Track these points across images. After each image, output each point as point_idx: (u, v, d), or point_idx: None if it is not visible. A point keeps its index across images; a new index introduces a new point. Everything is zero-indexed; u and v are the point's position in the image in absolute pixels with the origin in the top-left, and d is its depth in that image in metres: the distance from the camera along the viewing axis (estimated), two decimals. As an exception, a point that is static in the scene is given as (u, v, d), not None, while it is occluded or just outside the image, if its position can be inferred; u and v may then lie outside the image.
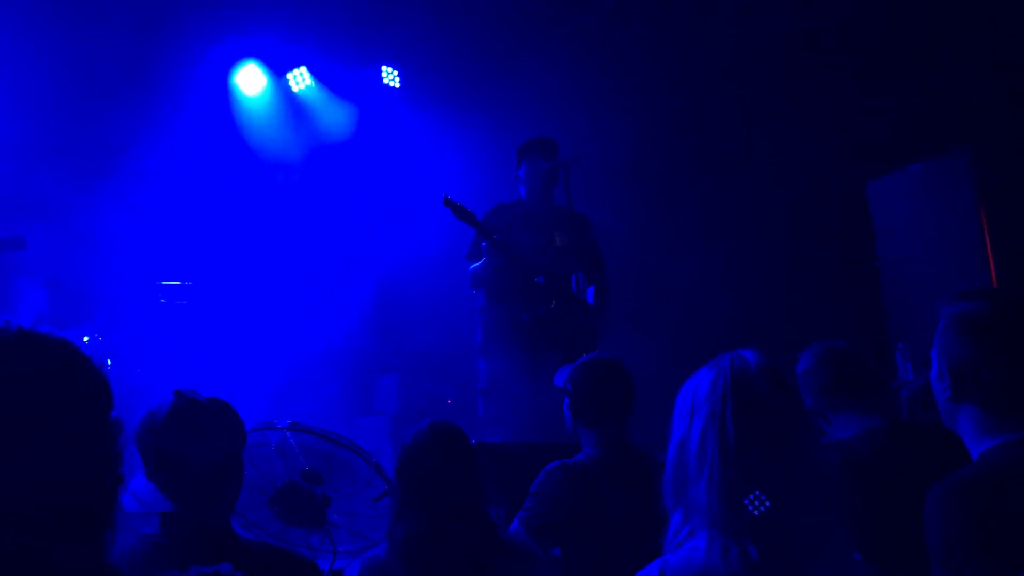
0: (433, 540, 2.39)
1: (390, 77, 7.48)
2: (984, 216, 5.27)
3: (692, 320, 6.31)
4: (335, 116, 7.59)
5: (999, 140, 5.32)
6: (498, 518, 2.56)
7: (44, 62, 6.15)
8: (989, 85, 5.27)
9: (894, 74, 5.73)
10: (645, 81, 6.82)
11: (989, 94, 5.27)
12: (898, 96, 5.69)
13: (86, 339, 5.78)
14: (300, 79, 7.40)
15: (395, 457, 2.57)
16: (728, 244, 6.62)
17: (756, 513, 1.59)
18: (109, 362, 5.85)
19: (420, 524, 2.41)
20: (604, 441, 3.04)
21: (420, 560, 2.36)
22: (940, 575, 1.72)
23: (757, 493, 1.60)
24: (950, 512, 1.72)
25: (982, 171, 5.33)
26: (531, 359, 4.76)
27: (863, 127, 5.96)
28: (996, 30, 5.26)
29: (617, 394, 3.09)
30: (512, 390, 4.81)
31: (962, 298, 1.94)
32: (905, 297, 5.68)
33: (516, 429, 4.67)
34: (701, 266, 6.61)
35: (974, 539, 1.68)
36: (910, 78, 5.62)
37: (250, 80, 7.38)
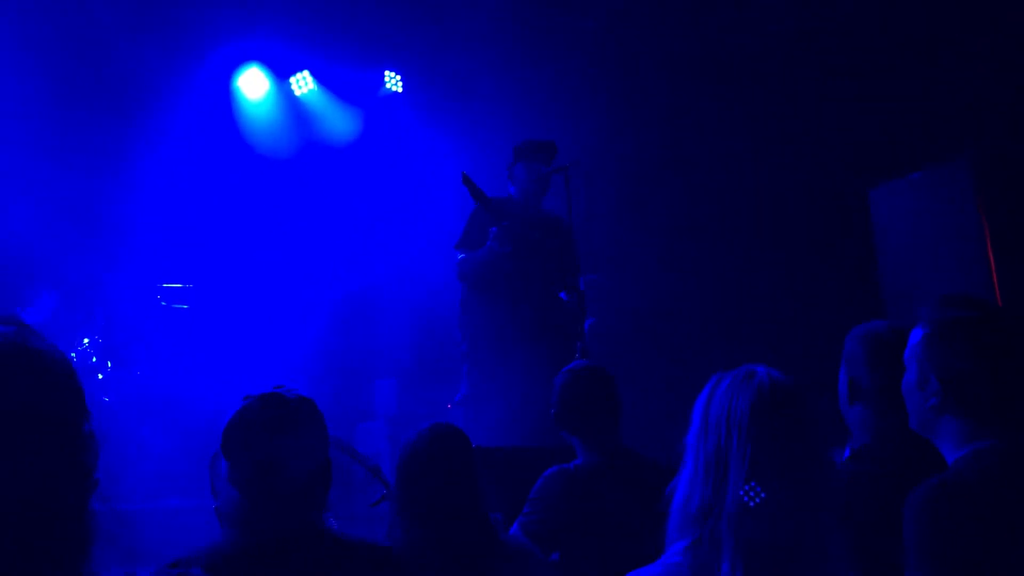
0: (433, 543, 2.38)
1: (393, 82, 7.49)
2: (986, 223, 5.25)
3: (692, 327, 6.30)
4: (337, 120, 7.59)
5: (1001, 146, 5.31)
6: (496, 522, 2.54)
7: (46, 64, 6.15)
8: (991, 91, 5.26)
9: (895, 81, 5.72)
10: (645, 86, 6.82)
11: (991, 100, 5.26)
12: (900, 103, 5.69)
13: (86, 341, 5.78)
14: (303, 83, 7.40)
15: (394, 461, 2.56)
16: (729, 251, 6.61)
17: (761, 528, 1.59)
18: (109, 364, 5.85)
19: (420, 527, 2.41)
20: (596, 447, 3.02)
21: (420, 562, 2.35)
22: None
23: (762, 505, 1.60)
24: (922, 518, 1.73)
25: (984, 178, 5.31)
26: (520, 352, 4.71)
27: (865, 134, 5.96)
28: (997, 32, 5.25)
29: (603, 399, 3.08)
30: (500, 391, 4.74)
31: (943, 305, 1.93)
32: (907, 305, 5.66)
33: (504, 432, 4.60)
34: (701, 272, 6.60)
35: (944, 544, 1.69)
36: (911, 85, 5.62)
37: (253, 84, 7.38)
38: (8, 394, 1.21)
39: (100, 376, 5.78)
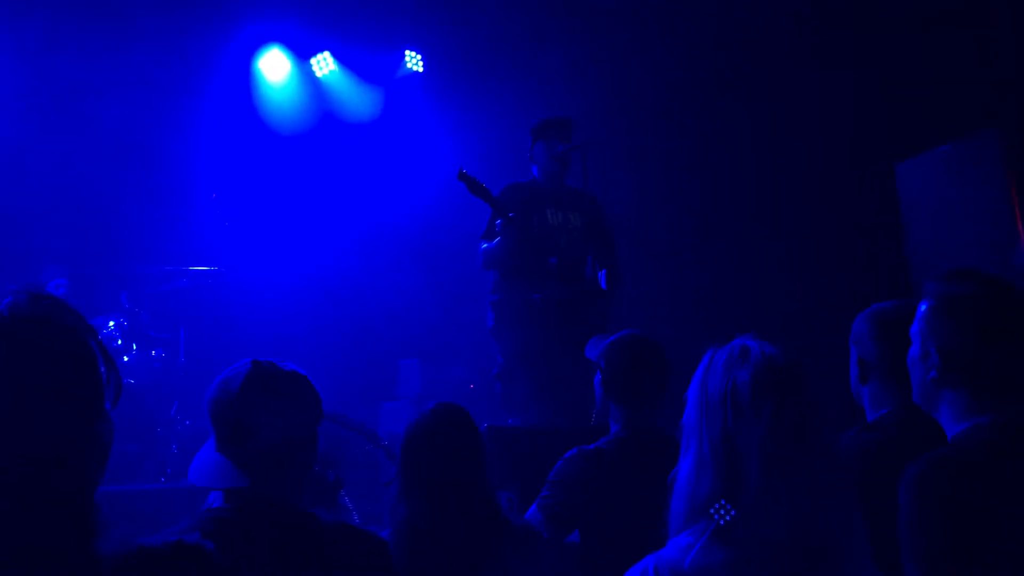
0: (434, 523, 2.37)
1: (414, 61, 7.47)
2: (1016, 196, 5.16)
3: (715, 305, 6.25)
4: (358, 100, 7.59)
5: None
6: (510, 502, 2.53)
7: (64, 46, 6.19)
8: (1021, 61, 5.15)
9: (922, 52, 5.61)
10: (667, 61, 6.74)
11: (1021, 70, 5.15)
12: (926, 74, 5.58)
13: (112, 324, 5.83)
14: (324, 64, 7.40)
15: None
16: (753, 227, 6.54)
17: (772, 510, 1.57)
18: (134, 347, 5.90)
19: (421, 507, 2.40)
20: (633, 421, 2.98)
21: (420, 542, 2.35)
22: (906, 555, 1.69)
23: (775, 490, 1.58)
24: (917, 492, 1.70)
25: (1014, 150, 5.21)
26: (542, 341, 4.72)
27: (891, 108, 5.86)
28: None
29: (653, 373, 3.03)
30: (525, 373, 4.78)
31: (949, 279, 1.91)
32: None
33: (533, 411, 4.64)
34: (725, 249, 6.54)
35: (939, 518, 1.66)
36: (939, 56, 5.50)
37: (274, 65, 7.39)
38: (17, 362, 1.21)
39: (125, 359, 5.84)
